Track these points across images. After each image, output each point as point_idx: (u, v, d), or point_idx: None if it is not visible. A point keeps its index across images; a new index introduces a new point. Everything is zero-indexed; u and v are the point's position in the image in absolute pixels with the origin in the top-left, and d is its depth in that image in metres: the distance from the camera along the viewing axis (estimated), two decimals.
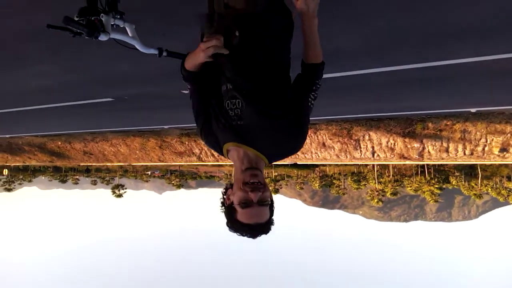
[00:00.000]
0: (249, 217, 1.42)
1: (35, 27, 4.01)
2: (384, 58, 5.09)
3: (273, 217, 1.49)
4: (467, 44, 4.40)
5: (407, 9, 3.53)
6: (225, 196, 1.54)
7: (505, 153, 13.90)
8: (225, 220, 1.50)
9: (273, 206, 1.49)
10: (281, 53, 1.64)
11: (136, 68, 5.47)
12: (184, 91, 6.87)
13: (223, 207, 1.54)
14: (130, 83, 6.49)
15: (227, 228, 1.49)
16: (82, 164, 32.58)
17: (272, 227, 1.49)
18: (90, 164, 30.87)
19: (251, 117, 1.50)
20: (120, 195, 60.46)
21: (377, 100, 8.60)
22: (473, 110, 11.32)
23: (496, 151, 13.87)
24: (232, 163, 1.57)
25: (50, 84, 6.58)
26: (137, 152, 21.88)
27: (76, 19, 1.83)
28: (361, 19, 3.79)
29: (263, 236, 1.48)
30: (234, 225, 1.45)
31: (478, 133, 13.45)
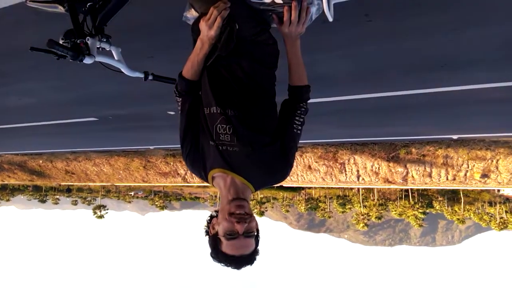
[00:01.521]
0: (234, 249, 1.37)
1: (21, 46, 3.97)
2: (368, 85, 5.21)
3: (259, 247, 1.45)
4: (449, 74, 4.55)
5: (392, 38, 3.65)
6: (209, 225, 1.49)
7: (486, 179, 14.20)
8: (208, 249, 1.46)
9: (258, 236, 1.45)
10: (267, 80, 1.63)
11: (122, 89, 5.45)
12: (170, 112, 6.84)
13: (207, 236, 1.48)
14: (115, 103, 6.45)
15: (211, 258, 1.44)
16: (63, 183, 31.78)
17: (257, 257, 1.45)
18: (72, 183, 30.15)
19: (240, 144, 1.47)
20: (101, 216, 58.88)
21: (361, 125, 8.75)
22: (454, 137, 11.61)
23: (477, 176, 14.16)
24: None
25: (33, 103, 6.49)
26: (121, 172, 21.51)
27: (61, 41, 1.82)
28: (346, 46, 3.89)
29: (248, 267, 1.43)
30: (219, 256, 1.40)
31: (460, 158, 13.75)
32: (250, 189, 1.51)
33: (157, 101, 5.40)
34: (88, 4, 1.86)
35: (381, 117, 7.42)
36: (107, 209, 60.86)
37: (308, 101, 1.70)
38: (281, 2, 1.43)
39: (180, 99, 1.55)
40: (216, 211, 1.52)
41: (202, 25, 1.41)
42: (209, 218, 1.53)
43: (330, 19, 1.51)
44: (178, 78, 1.53)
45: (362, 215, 44.20)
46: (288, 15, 1.43)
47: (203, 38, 1.44)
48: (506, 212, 42.21)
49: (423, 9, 3.03)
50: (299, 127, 1.62)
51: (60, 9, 1.96)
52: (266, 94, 1.60)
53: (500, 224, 40.25)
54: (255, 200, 50.87)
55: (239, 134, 1.47)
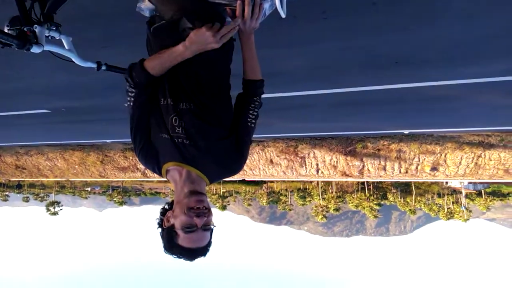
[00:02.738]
0: (192, 241, 1.39)
1: None
2: (325, 81, 5.36)
3: (211, 240, 1.47)
4: (401, 71, 4.78)
5: (347, 35, 3.78)
6: (163, 218, 1.49)
7: (435, 172, 15.10)
8: (161, 241, 1.46)
9: (213, 229, 1.47)
10: (224, 73, 1.66)
11: (76, 80, 5.22)
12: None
13: (159, 229, 1.48)
14: (68, 94, 6.15)
15: (164, 250, 1.45)
16: (13, 179, 29.90)
17: (210, 249, 1.47)
18: (23, 179, 28.46)
19: (195, 137, 1.47)
20: (55, 213, 56.13)
21: (319, 120, 8.97)
22: (406, 131, 12.23)
23: (427, 169, 15.02)
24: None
25: None
26: (76, 167, 20.59)
27: (6, 29, 1.73)
28: (303, 43, 3.98)
29: (201, 258, 1.46)
30: (174, 248, 1.41)
31: (412, 153, 14.49)
32: (205, 181, 1.53)
33: (114, 92, 5.22)
34: None
35: (337, 112, 7.66)
36: (62, 206, 58.12)
37: (262, 95, 1.74)
38: None
39: (135, 90, 1.48)
40: (169, 204, 1.52)
41: (205, 35, 1.37)
42: (162, 210, 1.52)
43: (283, 15, 1.55)
44: (137, 69, 1.45)
45: (321, 207, 45.47)
46: (241, 10, 1.45)
47: (193, 46, 1.40)
48: (453, 202, 45.20)
49: (378, 7, 3.16)
50: (253, 121, 1.65)
51: None
52: (221, 87, 1.63)
53: (448, 214, 43.03)
54: (217, 195, 50.71)
55: (194, 127, 1.48)
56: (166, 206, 1.52)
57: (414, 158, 14.83)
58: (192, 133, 1.47)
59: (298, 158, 16.30)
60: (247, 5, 1.44)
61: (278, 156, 16.34)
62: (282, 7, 1.53)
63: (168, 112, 1.49)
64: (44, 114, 7.50)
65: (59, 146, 18.98)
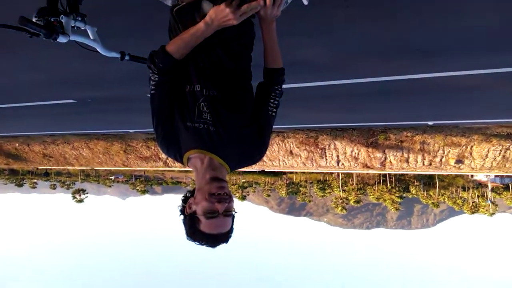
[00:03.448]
0: (214, 227, 1.40)
1: None
2: (347, 71, 5.28)
3: (233, 227, 1.48)
4: (423, 60, 4.66)
5: (370, 23, 3.70)
6: (185, 205, 1.51)
7: (460, 164, 14.70)
8: (183, 228, 1.48)
9: (234, 216, 1.48)
10: (246, 62, 1.66)
11: (101, 70, 5.34)
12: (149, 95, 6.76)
13: (182, 216, 1.51)
14: (94, 85, 6.31)
15: (186, 237, 1.47)
16: (41, 167, 31.04)
17: (232, 236, 1.48)
18: (50, 167, 29.49)
19: (219, 124, 1.49)
20: (81, 200, 57.98)
21: (340, 110, 8.87)
22: (430, 123, 11.92)
23: (452, 162, 14.64)
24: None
25: (5, 84, 6.28)
26: (100, 156, 21.17)
27: (34, 19, 1.79)
28: (325, 31, 3.93)
29: (223, 245, 1.47)
30: (196, 234, 1.43)
31: (436, 144, 14.14)
32: (226, 169, 1.54)
33: (137, 82, 5.31)
34: None
35: (359, 103, 7.54)
36: (87, 193, 59.96)
37: (283, 84, 1.74)
38: None
39: (158, 77, 1.49)
40: (190, 192, 1.54)
41: (225, 11, 1.39)
42: (183, 198, 1.54)
43: (305, 2, 1.54)
44: (160, 55, 1.47)
45: (341, 199, 45.12)
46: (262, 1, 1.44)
47: (214, 22, 1.42)
48: (478, 196, 43.93)
49: None
50: (274, 110, 1.66)
51: None
52: (243, 75, 1.63)
53: (472, 208, 41.90)
54: (237, 185, 51.08)
55: (219, 114, 1.49)
56: (188, 194, 1.54)
57: (438, 150, 14.47)
58: (216, 120, 1.49)
59: (318, 149, 16.19)
60: None
61: (298, 147, 16.28)
62: None
63: (196, 98, 1.49)
64: (70, 104, 7.72)
65: (84, 135, 19.52)
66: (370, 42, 4.14)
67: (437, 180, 44.76)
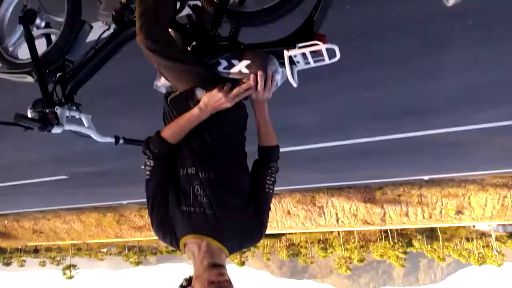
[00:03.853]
0: None
1: None
2: (338, 133, 5.38)
3: None
4: (413, 120, 4.79)
5: (357, 90, 3.84)
6: None
7: (460, 215, 14.49)
8: None
9: None
10: (241, 142, 1.66)
11: (92, 146, 5.36)
12: (143, 167, 6.75)
13: None
14: (86, 160, 6.31)
15: None
16: (30, 244, 29.88)
17: None
18: (40, 243, 28.38)
19: (216, 206, 1.44)
20: (71, 277, 55.14)
21: (335, 170, 8.90)
22: (425, 178, 11.96)
23: (452, 213, 14.44)
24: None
25: (2, 164, 6.27)
26: (92, 228, 20.54)
27: (30, 111, 1.81)
28: (315, 99, 4.05)
29: None
30: None
31: (433, 197, 14.05)
32: (225, 253, 1.47)
33: (129, 155, 5.33)
34: (58, 74, 1.88)
35: (353, 162, 7.59)
36: (78, 269, 57.16)
37: (278, 160, 1.74)
38: (247, 71, 1.50)
39: (153, 162, 1.49)
40: (187, 280, 1.45)
41: (218, 95, 1.45)
42: (181, 287, 1.45)
43: (294, 85, 1.58)
44: (155, 140, 1.49)
45: (344, 258, 43.53)
46: (255, 83, 1.49)
47: (208, 107, 1.46)
48: (483, 246, 42.75)
49: (384, 64, 3.24)
50: (271, 187, 1.64)
51: (30, 79, 1.97)
52: (238, 155, 1.62)
53: (479, 259, 40.53)
54: None
55: (215, 197, 1.45)
56: (184, 283, 1.45)
57: (436, 202, 14.34)
58: (212, 203, 1.45)
59: (316, 207, 15.96)
60: (260, 79, 1.48)
61: (295, 207, 16.03)
62: (293, 77, 1.57)
63: (190, 182, 1.47)
64: (63, 180, 7.66)
65: (76, 209, 19.11)
66: (358, 106, 4.27)
67: (439, 232, 43.82)
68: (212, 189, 1.46)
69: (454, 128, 5.07)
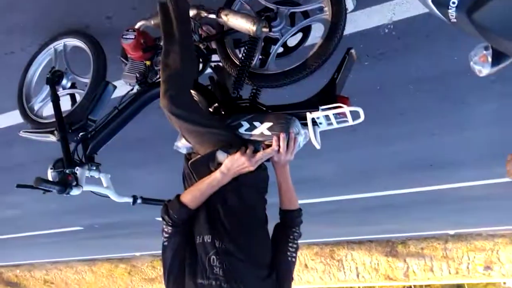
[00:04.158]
0: None
1: (9, 163, 4.00)
2: (358, 186, 5.26)
3: None
4: (436, 173, 4.65)
5: (378, 143, 3.79)
6: None
7: (489, 271, 13.61)
8: None
9: None
10: (260, 206, 1.60)
11: (107, 198, 5.37)
12: (159, 218, 6.66)
13: None
14: (101, 212, 6.28)
15: None
16: None
17: None
18: None
19: (234, 279, 1.35)
20: None
21: (355, 224, 8.63)
22: (451, 232, 11.45)
23: (480, 269, 13.60)
24: None
25: (18, 214, 6.31)
26: (103, 280, 20.04)
27: (50, 171, 1.81)
28: (334, 151, 3.99)
29: None
30: None
31: (459, 251, 13.33)
32: None
33: (144, 207, 5.30)
34: (80, 133, 1.90)
35: (373, 216, 7.34)
36: None
37: (301, 225, 1.66)
38: (269, 133, 1.47)
39: (172, 229, 1.44)
40: None
41: (240, 159, 1.41)
42: None
43: (318, 147, 1.55)
44: (175, 205, 1.44)
45: None
46: (277, 145, 1.46)
47: (231, 171, 1.43)
48: None
49: (405, 118, 3.20)
50: (294, 254, 1.55)
51: (52, 138, 1.99)
52: (258, 221, 1.55)
53: None
54: None
55: (233, 269, 1.36)
56: None
57: (463, 257, 13.56)
58: (230, 275, 1.35)
59: (335, 261, 15.28)
60: (282, 141, 1.45)
61: (313, 260, 15.40)
62: (316, 139, 1.54)
63: (205, 251, 1.40)
64: (77, 231, 7.61)
65: (88, 260, 18.86)
66: (379, 159, 4.19)
67: None
68: (229, 261, 1.37)
69: (479, 181, 4.91)
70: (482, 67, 1.22)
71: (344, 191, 5.50)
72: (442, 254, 13.56)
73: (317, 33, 1.89)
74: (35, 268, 20.66)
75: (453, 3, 1.03)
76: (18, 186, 1.65)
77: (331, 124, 1.51)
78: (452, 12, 1.05)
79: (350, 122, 1.47)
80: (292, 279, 1.54)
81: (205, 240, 1.41)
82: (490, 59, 1.18)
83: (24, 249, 11.44)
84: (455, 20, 1.07)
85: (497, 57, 1.16)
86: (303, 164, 4.13)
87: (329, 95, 1.48)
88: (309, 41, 1.73)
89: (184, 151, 1.68)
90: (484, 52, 1.20)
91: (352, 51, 1.55)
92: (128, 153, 3.82)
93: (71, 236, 8.31)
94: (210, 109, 1.66)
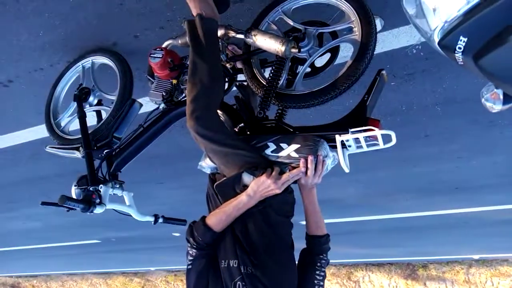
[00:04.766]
0: None
1: (33, 176, 4.07)
2: (380, 207, 5.12)
3: None
4: (461, 196, 4.50)
5: (402, 164, 3.69)
6: None
7: None
8: None
9: None
10: (285, 229, 1.55)
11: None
12: (176, 234, 6.63)
13: None
14: (119, 226, 6.32)
15: None
16: None
17: None
18: None
19: None
20: None
21: (375, 245, 8.38)
22: (475, 257, 10.99)
23: None
24: None
25: (37, 226, 6.40)
26: None
27: (74, 188, 1.81)
28: (357, 172, 3.91)
29: None
30: None
31: (482, 275, 12.75)
32: None
33: (160, 224, 5.31)
34: (105, 151, 1.90)
35: (394, 238, 7.14)
36: None
37: (329, 251, 1.60)
38: (297, 155, 1.43)
39: (196, 252, 1.41)
40: None
41: (266, 182, 1.38)
42: None
43: (347, 170, 1.50)
44: (200, 228, 1.41)
45: None
46: (304, 167, 1.42)
47: (257, 194, 1.40)
48: None
49: (431, 140, 3.12)
50: (321, 283, 1.50)
51: (77, 155, 2.00)
52: (284, 245, 1.50)
53: None
54: None
55: None
56: None
57: (486, 282, 12.93)
58: None
59: (351, 282, 14.83)
60: (310, 164, 1.40)
61: (329, 280, 14.98)
62: (345, 162, 1.49)
63: (231, 276, 1.36)
64: (95, 244, 7.65)
65: (103, 273, 18.93)
66: (402, 181, 4.08)
67: None
68: (255, 286, 1.33)
69: (505, 206, 4.72)
70: (493, 104, 1.24)
71: (365, 212, 5.37)
72: (464, 278, 12.97)
73: (344, 53, 1.87)
74: (51, 279, 20.84)
75: (459, 48, 1.05)
76: (43, 203, 1.65)
77: (360, 147, 1.45)
78: (458, 56, 1.07)
79: (381, 145, 1.41)
80: None
81: (231, 265, 1.38)
82: (501, 97, 1.19)
83: (42, 260, 11.56)
84: (462, 63, 1.09)
85: (509, 95, 1.17)
86: (323, 183, 4.05)
87: (359, 117, 1.43)
88: (337, 61, 1.71)
89: (208, 171, 1.66)
90: (495, 90, 1.20)
91: (383, 72, 1.50)
92: (148, 169, 3.84)
93: (88, 249, 8.36)
94: (235, 129, 1.63)
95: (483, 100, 1.25)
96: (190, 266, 1.42)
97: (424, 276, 13.40)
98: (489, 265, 12.19)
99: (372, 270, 13.92)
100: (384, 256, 11.73)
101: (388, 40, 2.15)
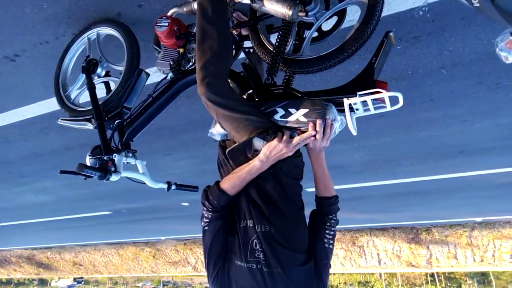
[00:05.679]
0: None
1: (43, 150, 4.14)
2: (385, 173, 5.18)
3: None
4: (466, 159, 4.53)
5: (406, 129, 3.71)
6: None
7: None
8: None
9: None
10: (297, 192, 1.60)
11: (135, 183, 5.51)
12: (184, 204, 6.79)
13: None
14: (128, 197, 6.46)
15: None
16: (70, 276, 30.50)
17: None
18: (79, 276, 28.92)
19: (274, 263, 1.38)
20: None
21: (379, 211, 8.53)
22: (478, 219, 11.17)
23: (506, 257, 13.26)
24: None
25: (49, 199, 6.55)
26: (129, 262, 20.71)
27: (88, 157, 1.86)
28: (361, 138, 3.95)
29: None
30: None
31: (485, 238, 13.02)
32: None
33: (169, 193, 5.41)
34: (117, 121, 1.94)
35: (398, 203, 7.24)
36: None
37: (338, 212, 1.65)
38: (305, 120, 1.46)
39: (212, 214, 1.47)
40: None
41: (278, 146, 1.41)
42: None
43: (354, 133, 1.52)
44: (215, 192, 1.47)
45: None
46: (313, 131, 1.45)
47: (269, 158, 1.43)
48: None
49: (436, 104, 3.12)
50: (331, 241, 1.55)
51: (89, 126, 2.04)
52: (295, 206, 1.55)
53: None
54: None
55: (273, 253, 1.39)
56: None
57: (488, 245, 13.22)
58: (270, 259, 1.38)
59: (356, 247, 15.21)
60: (319, 127, 1.43)
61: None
62: (353, 125, 1.51)
63: (248, 235, 1.43)
64: (106, 215, 7.86)
65: (115, 244, 19.49)
66: (408, 146, 4.11)
67: (492, 277, 40.21)
68: (270, 245, 1.39)
69: (510, 168, 4.75)
70: (508, 53, 1.18)
71: (369, 177, 5.45)
72: (467, 241, 13.26)
73: (350, 17, 1.85)
74: (65, 250, 21.55)
75: None
76: (62, 172, 1.70)
77: (368, 110, 1.47)
78: None
79: (388, 107, 1.43)
80: (330, 266, 1.53)
81: (248, 225, 1.44)
82: None
83: (56, 233, 11.90)
84: (478, 5, 1.03)
85: None
86: (329, 150, 4.09)
87: (366, 80, 1.44)
88: (343, 25, 1.70)
89: (218, 138, 1.69)
90: (511, 38, 1.14)
91: (391, 34, 1.50)
92: (155, 141, 3.89)
93: (100, 221, 8.59)
94: (244, 96, 1.66)
95: (497, 50, 1.19)
96: (206, 228, 1.48)
97: (428, 240, 13.70)
98: (492, 228, 12.41)
99: (376, 235, 14.24)
100: (388, 221, 11.94)
101: (395, 2, 2.12)
